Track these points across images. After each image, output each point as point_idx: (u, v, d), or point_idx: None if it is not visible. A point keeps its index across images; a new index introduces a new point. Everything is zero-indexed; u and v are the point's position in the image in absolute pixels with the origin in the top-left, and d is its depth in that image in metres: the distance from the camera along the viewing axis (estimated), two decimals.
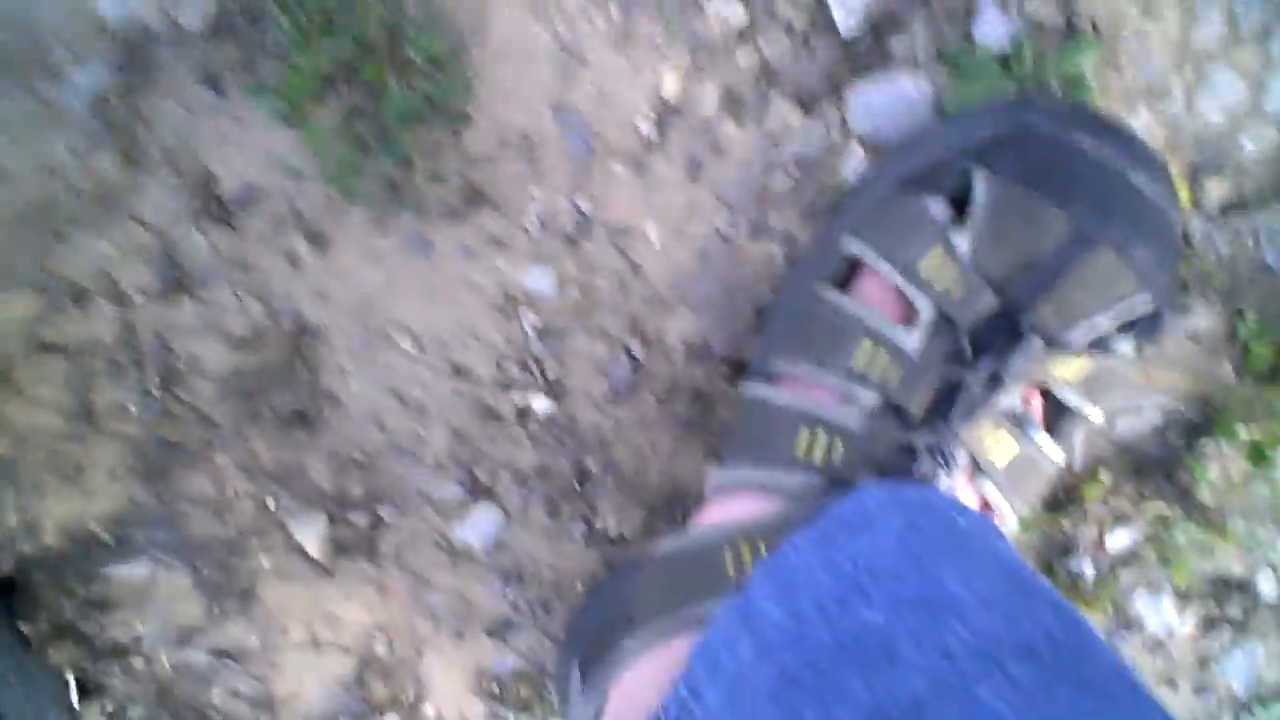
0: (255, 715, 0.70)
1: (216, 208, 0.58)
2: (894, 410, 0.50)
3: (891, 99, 0.54)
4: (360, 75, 0.53)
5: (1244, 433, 0.57)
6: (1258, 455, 0.56)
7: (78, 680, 0.70)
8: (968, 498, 0.53)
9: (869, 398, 0.50)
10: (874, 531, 0.42)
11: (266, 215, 0.58)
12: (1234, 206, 0.56)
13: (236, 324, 0.60)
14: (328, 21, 0.52)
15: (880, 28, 0.54)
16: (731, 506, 0.53)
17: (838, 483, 0.50)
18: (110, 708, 0.70)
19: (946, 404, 0.50)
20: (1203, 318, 0.57)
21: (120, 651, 0.68)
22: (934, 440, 0.49)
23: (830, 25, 0.54)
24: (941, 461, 0.49)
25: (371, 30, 0.52)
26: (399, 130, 0.54)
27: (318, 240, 0.58)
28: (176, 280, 0.59)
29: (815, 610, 0.40)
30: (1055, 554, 0.64)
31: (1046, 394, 0.53)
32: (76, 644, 0.68)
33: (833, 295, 0.51)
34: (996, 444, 0.51)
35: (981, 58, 0.52)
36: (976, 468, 0.51)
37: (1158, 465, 0.60)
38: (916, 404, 0.50)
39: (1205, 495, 0.59)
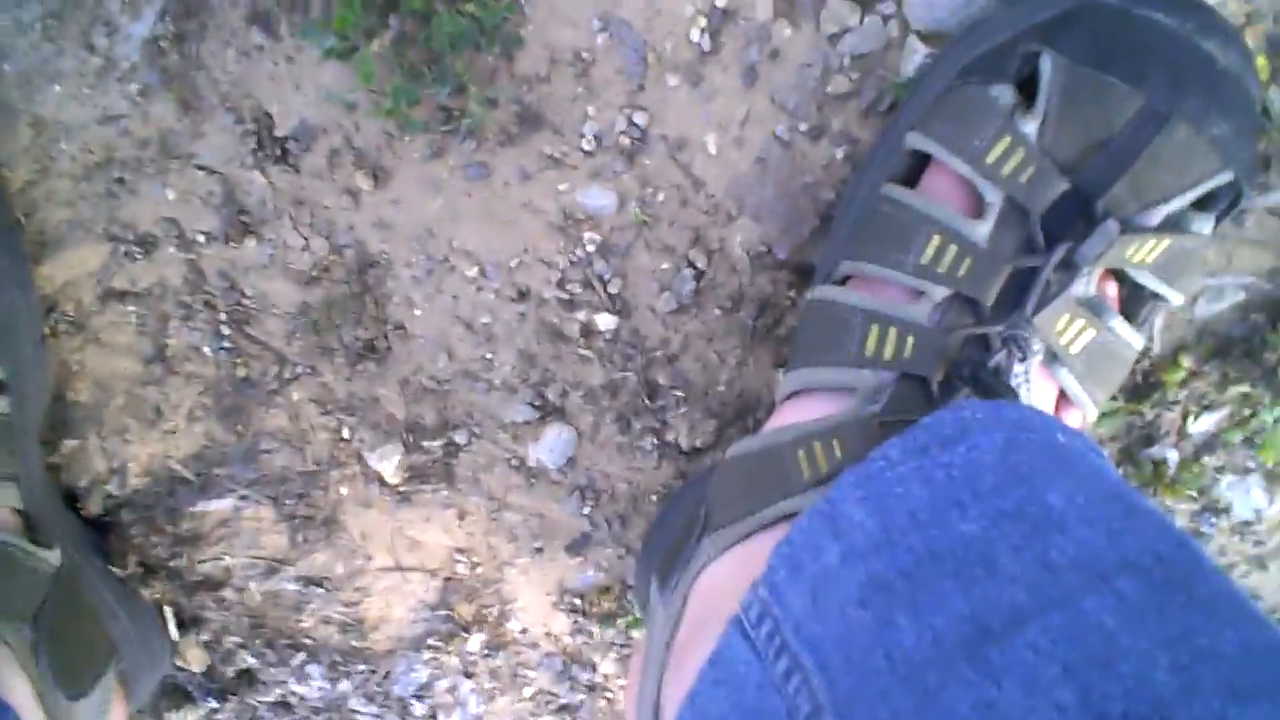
0: (346, 638, 0.77)
1: (275, 147, 0.62)
2: (966, 303, 0.53)
3: None
4: (408, 3, 0.55)
5: None
6: None
7: (175, 613, 0.76)
8: (1044, 388, 0.55)
9: (939, 292, 0.52)
10: (971, 445, 0.44)
11: (324, 151, 0.62)
12: None
13: (301, 260, 0.64)
14: None
15: None
16: (803, 409, 0.56)
17: (911, 379, 0.53)
18: (207, 637, 0.77)
19: (1019, 294, 0.53)
20: (1263, 200, 0.59)
21: (212, 585, 0.75)
22: (1008, 331, 0.52)
23: None
24: (1017, 351, 0.51)
25: None
26: (451, 57, 0.57)
27: (376, 173, 0.62)
28: (240, 221, 0.64)
29: (908, 519, 0.43)
30: (1137, 442, 0.67)
31: (1122, 278, 0.56)
32: (169, 580, 0.75)
33: (899, 192, 0.54)
34: (1072, 332, 0.54)
35: None
36: (1053, 357, 0.54)
37: (1241, 346, 0.63)
38: (989, 295, 0.52)
39: None
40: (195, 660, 0.79)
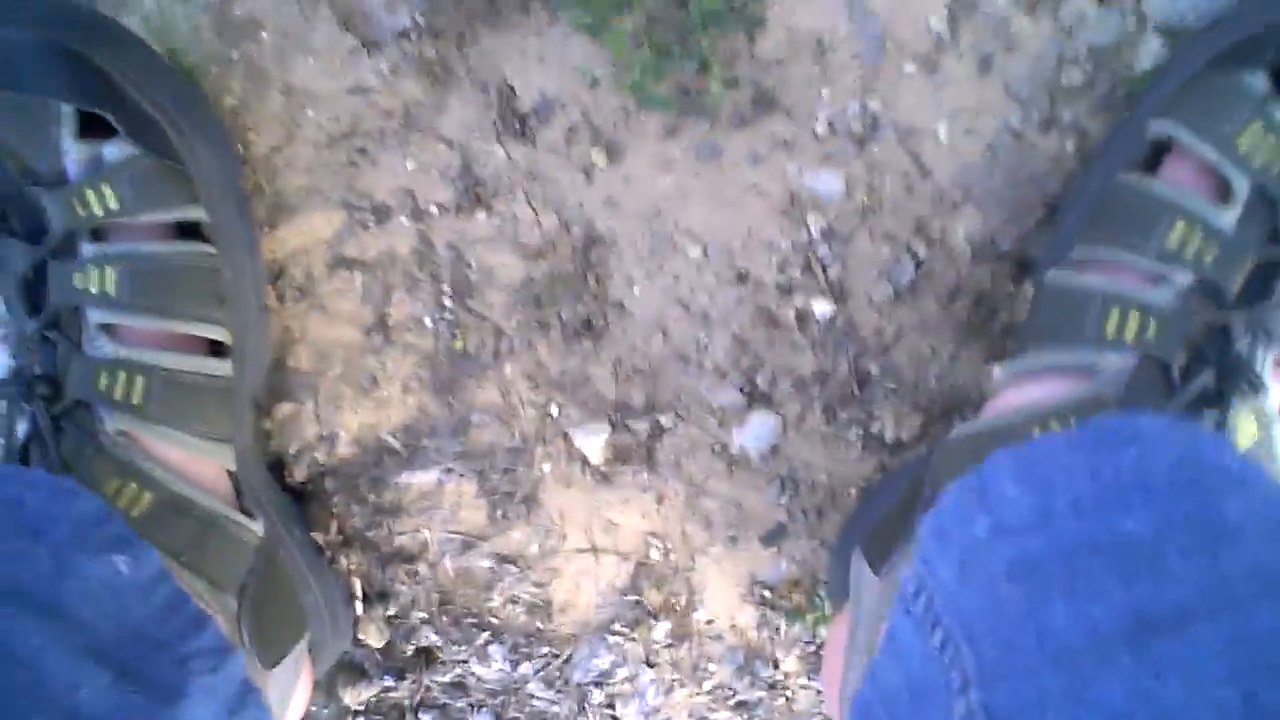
0: (532, 620, 0.80)
1: (515, 121, 0.66)
2: (1207, 290, 0.55)
3: None
4: None
5: None
6: None
7: (363, 586, 0.80)
8: (1275, 386, 0.57)
9: (1182, 278, 0.54)
10: (1143, 450, 0.46)
11: (562, 127, 0.66)
12: None
13: (530, 235, 0.69)
14: None
15: None
16: (1031, 391, 0.59)
17: (1151, 362, 0.55)
18: (393, 611, 0.81)
19: (1262, 283, 0.54)
20: None
21: (406, 558, 0.79)
22: (1253, 318, 0.53)
23: None
24: (1264, 339, 0.53)
25: None
26: (699, 34, 0.61)
27: (611, 149, 0.66)
28: (474, 194, 0.68)
29: (1069, 507, 0.45)
30: None
31: None
32: (364, 551, 0.79)
33: (1141, 179, 0.56)
34: None
35: None
36: None
37: None
38: (1233, 283, 0.54)
39: None
40: (374, 636, 0.83)
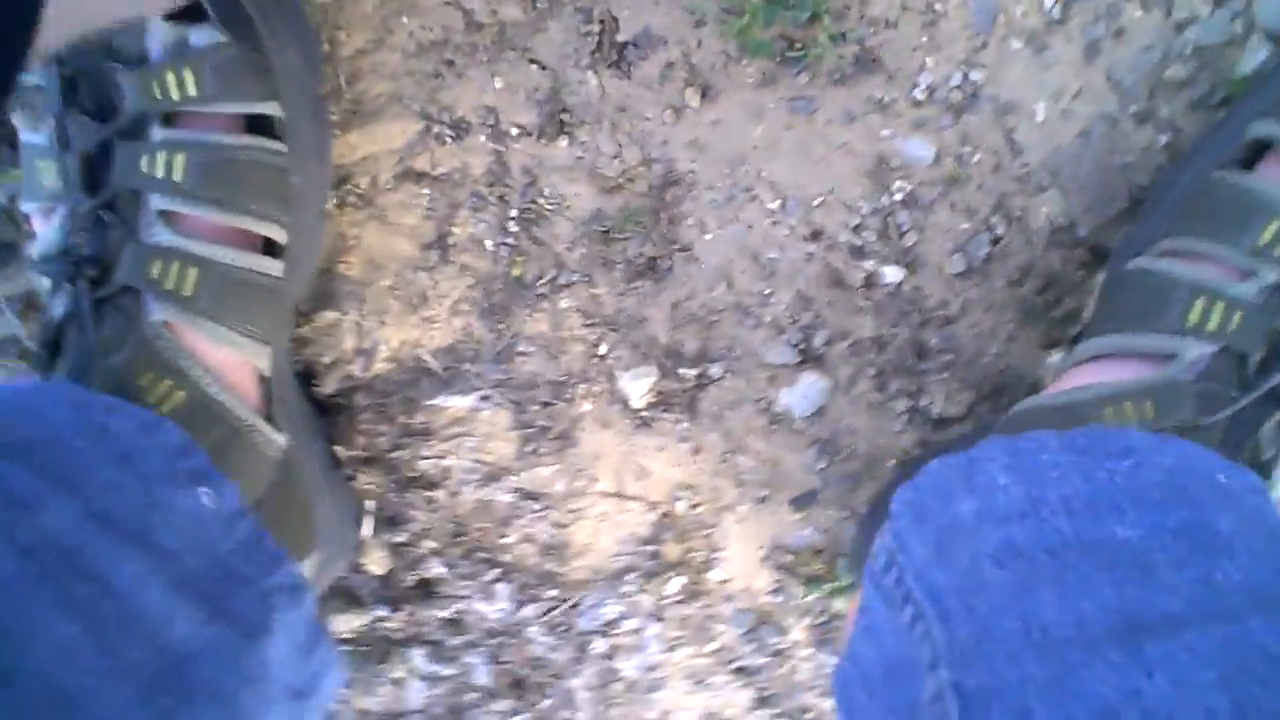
0: (544, 561, 0.80)
1: (613, 51, 0.66)
2: None
3: None
4: None
5: None
6: None
7: (377, 509, 0.79)
8: None
9: (1271, 274, 0.56)
10: (1138, 461, 0.48)
11: (659, 62, 0.66)
12: None
13: (609, 167, 0.68)
14: None
15: None
16: (1103, 372, 0.60)
17: (1228, 353, 0.56)
18: (403, 538, 0.80)
19: None
20: None
21: (427, 483, 0.78)
22: None
23: None
24: None
25: None
26: None
27: (705, 91, 0.66)
28: (559, 120, 0.68)
29: (1061, 504, 0.46)
30: None
31: None
32: (385, 472, 0.78)
33: (1240, 176, 0.58)
34: None
35: None
36: None
37: None
38: None
39: None
40: (377, 562, 0.82)
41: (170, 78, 0.58)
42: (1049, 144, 0.66)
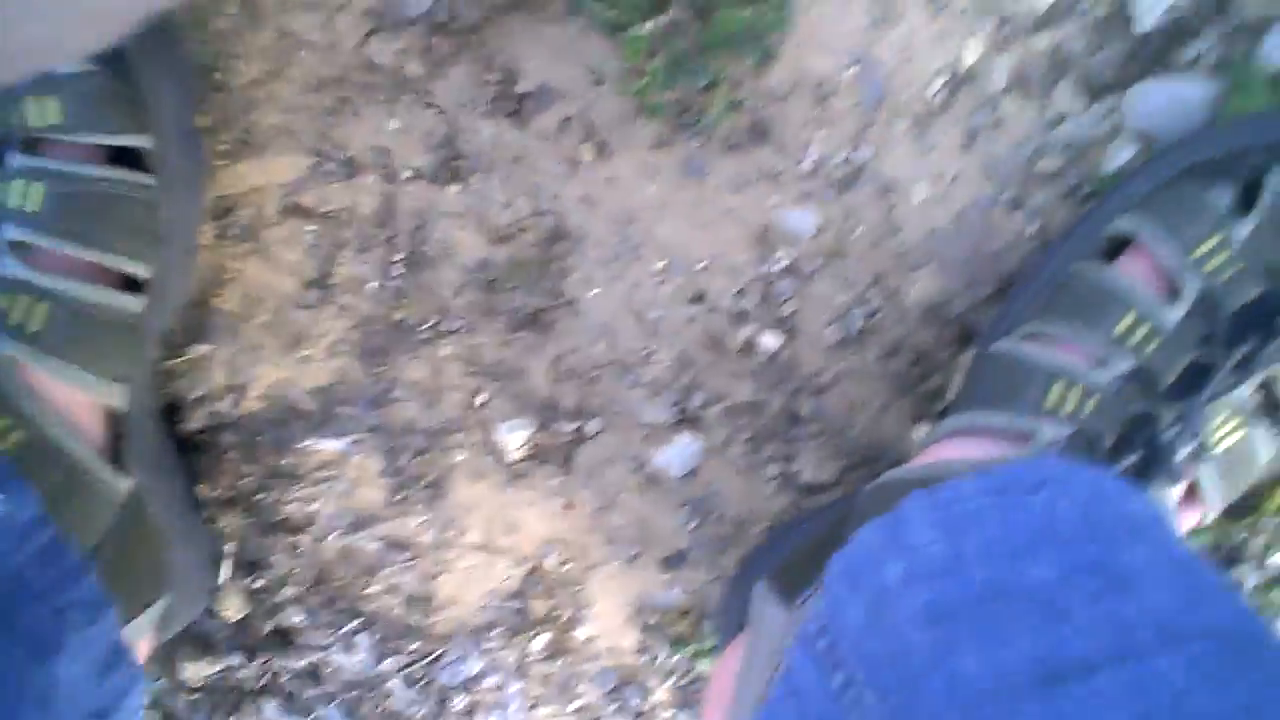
0: (408, 613, 0.78)
1: (512, 102, 0.66)
2: (1144, 379, 0.59)
3: (1170, 101, 0.64)
4: None
5: None
6: None
7: (237, 552, 0.77)
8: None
9: (1123, 364, 0.59)
10: (1051, 496, 0.49)
11: (557, 116, 0.67)
12: None
13: (500, 217, 0.69)
14: None
15: (1172, 32, 0.64)
16: (963, 449, 0.62)
17: (1083, 436, 0.59)
18: (262, 583, 0.77)
19: (1193, 381, 0.59)
20: None
21: (291, 528, 0.76)
22: (1181, 413, 0.58)
23: (1126, 23, 0.64)
24: (1188, 433, 0.58)
25: None
26: (715, 53, 0.63)
27: (601, 148, 0.67)
28: (452, 165, 0.68)
29: (980, 553, 0.47)
30: (1223, 561, 0.74)
31: (1265, 389, 0.63)
32: (246, 515, 0.76)
33: (1100, 268, 0.61)
34: (1225, 430, 0.61)
35: (1262, 74, 0.63)
36: (1199, 450, 0.61)
37: None
38: (1169, 376, 0.59)
39: None
40: (233, 608, 0.79)
41: (31, 104, 0.57)
42: (927, 224, 0.68)
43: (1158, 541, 0.47)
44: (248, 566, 0.78)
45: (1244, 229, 0.59)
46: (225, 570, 0.78)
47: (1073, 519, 0.47)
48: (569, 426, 0.74)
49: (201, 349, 0.72)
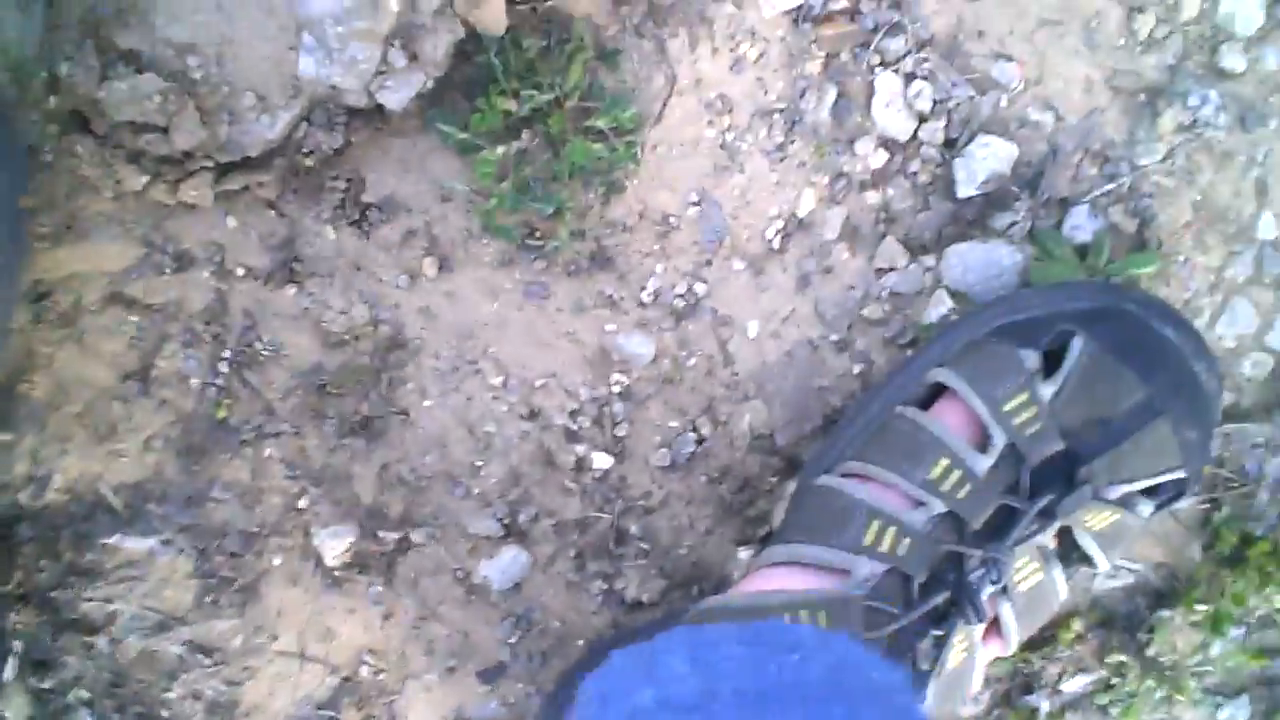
0: None
1: (356, 210, 0.66)
2: (955, 522, 0.63)
3: (985, 262, 0.69)
4: (546, 125, 0.63)
5: (1200, 607, 0.73)
6: (1216, 626, 0.73)
7: (25, 650, 0.73)
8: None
9: (937, 506, 0.62)
10: (804, 657, 0.52)
11: (401, 228, 0.67)
12: (1228, 417, 0.73)
13: (336, 323, 0.68)
14: (531, 72, 0.62)
15: (990, 201, 0.69)
16: (784, 580, 0.64)
17: (897, 573, 0.62)
18: (50, 684, 0.73)
19: (1000, 526, 0.63)
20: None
21: (87, 628, 0.73)
22: (988, 555, 0.62)
23: (950, 189, 0.68)
24: (993, 574, 0.62)
25: (569, 87, 0.62)
26: (564, 182, 0.64)
27: (443, 263, 0.67)
28: (290, 268, 0.67)
29: (733, 695, 0.50)
30: (1018, 687, 0.78)
31: (1063, 536, 0.67)
32: (40, 611, 0.72)
33: (919, 415, 0.64)
34: (1026, 572, 0.65)
35: (1066, 246, 0.68)
36: (1002, 590, 0.64)
37: (1123, 622, 0.76)
38: (977, 520, 0.63)
39: (1163, 656, 0.75)
40: (15, 709, 0.75)
41: None
42: (758, 358, 0.71)
43: (895, 707, 0.50)
44: (35, 666, 0.74)
45: (1047, 390, 0.63)
46: (10, 669, 0.73)
47: (821, 680, 0.50)
48: (393, 535, 0.72)
49: (3, 436, 0.68)
